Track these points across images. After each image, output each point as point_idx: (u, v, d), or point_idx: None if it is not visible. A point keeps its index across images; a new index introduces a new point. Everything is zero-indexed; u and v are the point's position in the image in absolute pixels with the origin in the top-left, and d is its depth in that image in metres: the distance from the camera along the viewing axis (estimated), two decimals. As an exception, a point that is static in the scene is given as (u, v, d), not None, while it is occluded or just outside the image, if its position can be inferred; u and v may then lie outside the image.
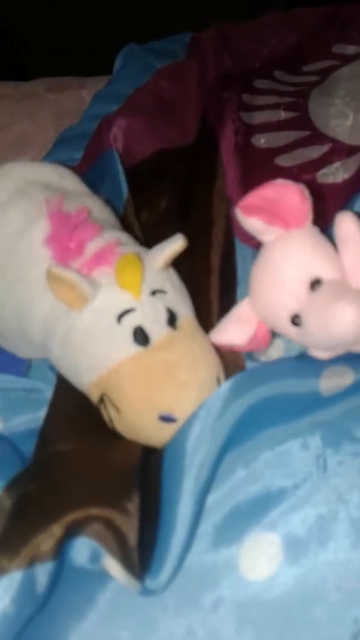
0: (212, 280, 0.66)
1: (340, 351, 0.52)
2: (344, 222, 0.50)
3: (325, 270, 0.50)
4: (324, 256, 0.51)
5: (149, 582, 0.42)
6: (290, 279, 0.51)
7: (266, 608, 0.42)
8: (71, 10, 1.68)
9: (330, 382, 0.48)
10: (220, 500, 0.46)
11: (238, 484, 0.46)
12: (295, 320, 0.51)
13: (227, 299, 0.65)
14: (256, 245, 0.69)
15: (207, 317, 0.62)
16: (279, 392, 0.48)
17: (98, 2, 1.67)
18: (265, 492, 0.46)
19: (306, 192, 0.51)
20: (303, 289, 0.50)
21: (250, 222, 0.53)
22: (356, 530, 0.44)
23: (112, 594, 0.43)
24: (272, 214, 0.51)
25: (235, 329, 0.55)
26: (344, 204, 0.71)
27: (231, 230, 0.71)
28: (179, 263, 0.57)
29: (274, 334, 0.58)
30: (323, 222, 0.54)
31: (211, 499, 0.46)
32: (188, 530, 0.44)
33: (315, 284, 0.50)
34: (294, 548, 0.44)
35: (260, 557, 0.44)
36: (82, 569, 0.44)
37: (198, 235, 0.69)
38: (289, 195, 0.51)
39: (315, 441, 0.46)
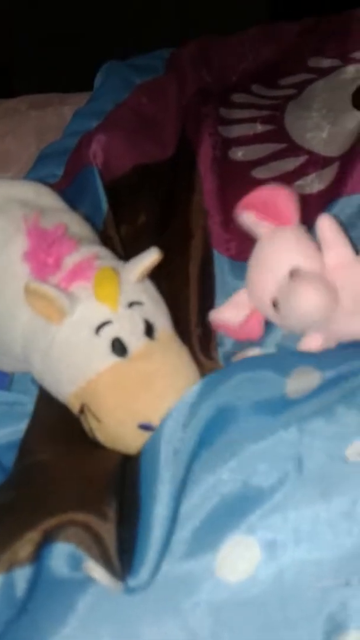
0: (191, 291, 0.67)
1: (331, 341, 0.57)
2: (322, 224, 0.58)
3: (305, 261, 0.56)
4: (306, 250, 0.57)
5: (130, 581, 0.43)
6: (274, 268, 0.57)
7: (243, 609, 0.43)
8: (54, 26, 1.71)
9: (297, 384, 0.49)
10: (196, 505, 0.47)
11: (214, 488, 0.47)
12: (275, 303, 0.56)
13: (206, 310, 0.66)
14: (232, 256, 0.71)
15: (186, 328, 0.64)
16: (249, 391, 0.49)
17: (80, 18, 1.70)
18: (242, 495, 0.47)
19: (294, 196, 0.59)
20: (284, 274, 0.55)
21: (244, 216, 0.60)
22: (332, 531, 0.45)
23: (93, 600, 0.44)
24: (265, 213, 0.59)
25: (231, 311, 0.61)
26: (320, 213, 0.72)
27: (209, 242, 0.72)
28: (157, 275, 0.58)
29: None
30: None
31: (187, 504, 0.47)
32: (166, 527, 0.45)
33: (294, 272, 0.55)
34: (271, 549, 0.44)
35: (237, 560, 0.45)
36: (63, 576, 0.44)
37: (176, 247, 0.71)
38: (279, 197, 0.59)
39: (290, 442, 0.47)
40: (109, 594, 0.43)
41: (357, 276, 0.56)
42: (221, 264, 0.70)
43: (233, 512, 0.46)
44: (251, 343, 0.62)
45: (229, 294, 0.65)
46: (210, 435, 0.48)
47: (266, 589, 0.43)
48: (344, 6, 1.14)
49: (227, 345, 0.63)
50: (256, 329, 0.61)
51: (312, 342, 0.57)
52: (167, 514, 0.45)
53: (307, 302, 0.53)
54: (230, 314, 0.61)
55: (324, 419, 0.48)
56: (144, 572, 0.43)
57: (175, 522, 0.46)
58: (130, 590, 0.43)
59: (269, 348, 0.61)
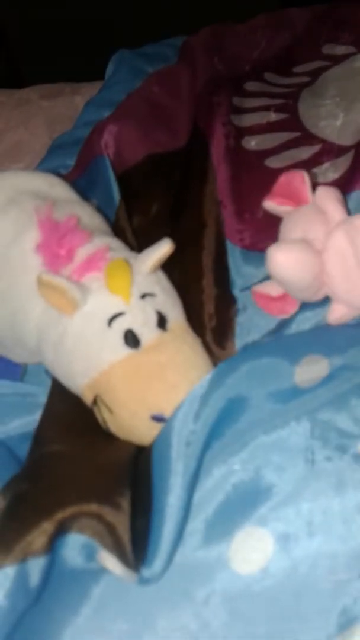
0: (205, 282, 0.67)
1: (356, 310, 0.58)
2: (317, 194, 0.61)
3: (312, 232, 0.59)
4: (315, 222, 0.59)
5: (144, 572, 0.43)
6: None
7: (256, 600, 0.43)
8: (65, 15, 1.70)
9: (306, 373, 0.49)
10: (208, 495, 0.47)
11: (225, 478, 0.47)
12: None
13: (221, 300, 0.66)
14: (246, 246, 0.71)
15: (200, 319, 0.64)
16: (259, 381, 0.49)
17: (91, 7, 1.69)
18: (253, 486, 0.47)
19: (306, 177, 0.63)
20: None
21: (266, 204, 0.65)
22: (345, 524, 0.44)
23: (106, 589, 0.44)
24: (286, 198, 0.63)
25: (273, 286, 0.63)
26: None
27: (222, 232, 0.72)
28: (171, 266, 0.58)
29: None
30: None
31: (199, 494, 0.47)
32: (179, 518, 0.45)
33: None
34: (285, 541, 0.45)
35: (250, 551, 0.45)
36: (77, 566, 0.45)
37: (190, 238, 0.71)
38: (294, 181, 0.63)
39: (302, 434, 0.47)
40: (123, 584, 0.44)
41: (337, 239, 0.57)
42: (234, 254, 0.69)
43: (245, 503, 0.46)
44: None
45: (246, 282, 0.65)
46: (221, 425, 0.48)
47: (280, 580, 0.44)
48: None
49: (245, 336, 0.63)
50: (290, 305, 0.62)
51: (336, 313, 0.58)
52: (180, 505, 0.45)
53: (276, 265, 0.56)
54: (271, 287, 0.63)
55: (336, 410, 0.48)
56: (157, 563, 0.43)
57: (188, 513, 0.46)
58: (143, 581, 0.43)
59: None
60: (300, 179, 0.63)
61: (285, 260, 0.56)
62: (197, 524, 0.46)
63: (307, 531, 0.45)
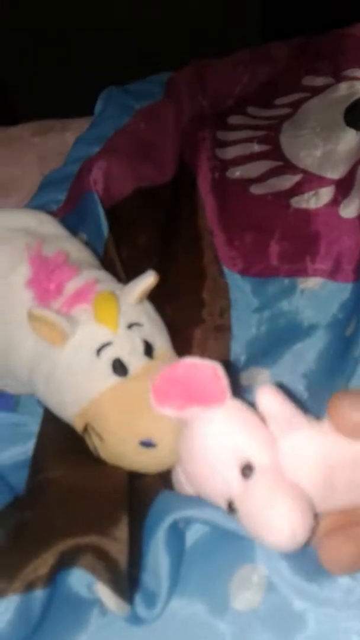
0: (205, 312, 0.70)
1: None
2: (263, 399, 0.42)
3: (253, 451, 0.43)
4: (250, 434, 0.43)
5: (144, 612, 0.44)
6: (220, 464, 0.44)
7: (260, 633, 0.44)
8: (55, 53, 1.76)
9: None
10: (206, 537, 0.48)
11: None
12: (231, 506, 0.43)
13: (220, 330, 0.69)
14: (240, 271, 0.74)
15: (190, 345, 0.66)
16: None
17: (80, 45, 1.74)
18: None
19: (219, 370, 0.44)
20: (234, 473, 0.43)
21: (164, 411, 0.47)
22: None
23: (105, 619, 0.45)
24: (187, 394, 0.45)
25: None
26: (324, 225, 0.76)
27: (217, 259, 0.75)
28: (171, 293, 0.62)
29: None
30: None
31: (196, 536, 0.48)
32: (176, 561, 0.46)
33: (246, 469, 0.42)
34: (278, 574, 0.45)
35: (249, 588, 0.45)
36: (77, 595, 0.46)
37: (188, 267, 0.74)
38: (200, 374, 0.44)
39: None
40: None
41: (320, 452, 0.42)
42: (232, 279, 0.73)
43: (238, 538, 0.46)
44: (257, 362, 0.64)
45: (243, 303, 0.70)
46: None
47: (275, 613, 0.44)
48: (334, 25, 1.16)
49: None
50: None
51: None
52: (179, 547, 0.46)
53: (283, 536, 0.40)
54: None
55: None
56: (158, 608, 0.44)
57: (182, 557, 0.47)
58: (140, 621, 0.44)
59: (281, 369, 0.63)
60: (211, 373, 0.44)
61: (300, 526, 0.40)
62: (194, 567, 0.47)
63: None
